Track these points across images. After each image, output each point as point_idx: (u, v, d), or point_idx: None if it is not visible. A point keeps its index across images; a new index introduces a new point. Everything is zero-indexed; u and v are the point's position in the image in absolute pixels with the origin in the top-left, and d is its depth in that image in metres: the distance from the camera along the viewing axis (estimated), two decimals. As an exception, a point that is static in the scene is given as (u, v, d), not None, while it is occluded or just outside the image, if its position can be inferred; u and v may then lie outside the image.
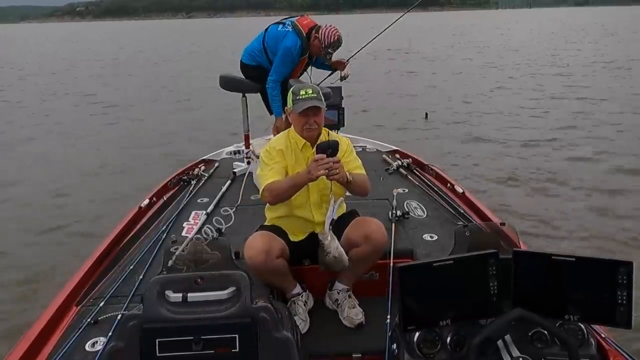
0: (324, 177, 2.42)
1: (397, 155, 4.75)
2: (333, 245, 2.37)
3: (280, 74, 4.11)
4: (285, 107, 2.66)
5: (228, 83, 4.44)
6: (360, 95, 13.36)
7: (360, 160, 2.70)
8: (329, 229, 2.41)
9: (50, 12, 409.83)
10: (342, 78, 4.53)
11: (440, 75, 17.40)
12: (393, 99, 13.64)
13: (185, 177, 4.25)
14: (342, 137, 2.77)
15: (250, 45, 4.38)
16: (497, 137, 9.34)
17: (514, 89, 14.52)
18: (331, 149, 2.40)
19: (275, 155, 2.61)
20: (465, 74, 17.77)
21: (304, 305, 2.62)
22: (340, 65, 4.50)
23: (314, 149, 2.54)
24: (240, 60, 4.43)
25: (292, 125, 2.68)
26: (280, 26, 4.24)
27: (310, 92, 2.54)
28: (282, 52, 4.07)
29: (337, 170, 2.39)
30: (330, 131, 2.75)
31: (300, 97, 2.53)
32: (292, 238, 2.65)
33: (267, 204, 2.69)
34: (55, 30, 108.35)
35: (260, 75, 4.27)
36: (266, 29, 4.32)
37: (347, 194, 2.94)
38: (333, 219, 2.49)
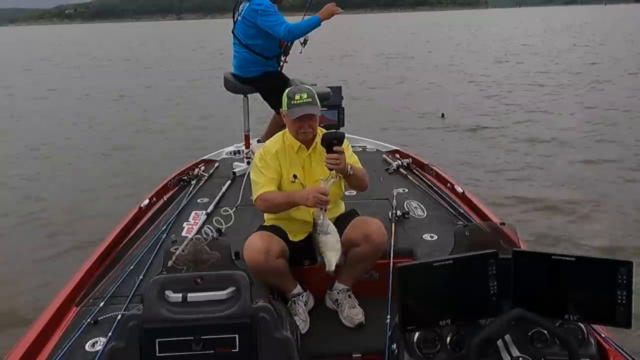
0: (322, 171, 2.47)
1: (397, 155, 4.74)
2: (325, 224, 2.41)
3: (281, 22, 4.06)
4: (280, 109, 2.66)
5: (229, 83, 4.44)
6: (371, 96, 13.51)
7: (356, 157, 2.71)
8: (323, 210, 2.43)
9: (39, 14, 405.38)
10: (304, 43, 4.55)
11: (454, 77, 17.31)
12: (408, 98, 13.60)
13: (185, 177, 4.25)
14: None
15: (239, 58, 4.31)
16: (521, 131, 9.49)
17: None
18: (337, 139, 2.45)
19: (269, 160, 2.61)
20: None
21: (304, 305, 2.62)
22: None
23: (320, 139, 2.55)
24: (241, 77, 4.35)
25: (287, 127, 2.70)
26: (237, 16, 4.28)
27: (305, 96, 2.52)
28: (264, 9, 4.05)
29: (338, 161, 2.41)
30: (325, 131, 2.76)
31: (295, 102, 2.52)
32: (292, 238, 2.66)
33: None
34: (43, 33, 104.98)
35: (270, 82, 4.25)
36: (232, 31, 4.31)
37: (347, 193, 2.94)
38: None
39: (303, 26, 4.17)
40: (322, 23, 4.13)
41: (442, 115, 11.06)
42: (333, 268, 2.44)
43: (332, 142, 2.43)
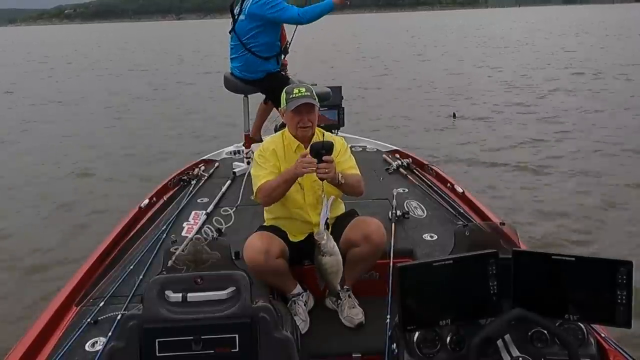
0: (318, 178, 2.44)
1: (397, 155, 4.74)
2: (329, 245, 2.35)
3: (288, 7, 4.07)
4: (279, 108, 2.67)
5: (230, 83, 4.44)
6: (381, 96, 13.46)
7: (354, 161, 2.71)
8: (325, 228, 2.40)
9: (38, 15, 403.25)
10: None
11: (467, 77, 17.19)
12: (418, 98, 13.55)
13: (185, 177, 4.25)
14: (335, 137, 2.78)
15: (242, 61, 4.27)
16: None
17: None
18: (325, 149, 2.42)
19: (268, 156, 2.62)
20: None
21: (304, 305, 2.62)
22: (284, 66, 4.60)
23: (308, 149, 2.54)
24: (243, 79, 4.33)
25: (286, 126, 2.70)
26: (239, 15, 4.22)
27: (304, 90, 2.56)
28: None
29: (328, 170, 2.40)
30: (324, 132, 2.75)
31: (294, 96, 2.55)
32: (292, 238, 2.66)
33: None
34: (42, 35, 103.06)
35: (272, 83, 4.23)
36: (232, 30, 4.27)
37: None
38: (327, 218, 2.48)
39: (316, 9, 4.13)
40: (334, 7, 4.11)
41: (453, 115, 11.00)
42: (338, 290, 2.48)
43: (321, 152, 2.41)
